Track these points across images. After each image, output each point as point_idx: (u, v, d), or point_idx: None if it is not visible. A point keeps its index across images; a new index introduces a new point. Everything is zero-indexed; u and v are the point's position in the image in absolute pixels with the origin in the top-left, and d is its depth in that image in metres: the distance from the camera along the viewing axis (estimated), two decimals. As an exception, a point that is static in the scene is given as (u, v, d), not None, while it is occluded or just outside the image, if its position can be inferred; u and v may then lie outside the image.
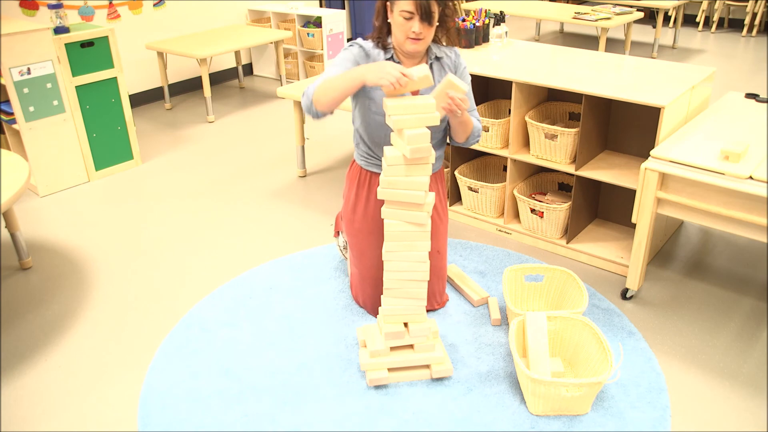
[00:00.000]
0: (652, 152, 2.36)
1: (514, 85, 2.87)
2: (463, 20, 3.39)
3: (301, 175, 3.86)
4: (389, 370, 2.17)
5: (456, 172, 3.22)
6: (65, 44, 3.55)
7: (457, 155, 3.25)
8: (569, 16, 5.76)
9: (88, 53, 3.67)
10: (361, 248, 2.44)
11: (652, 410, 2.04)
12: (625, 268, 2.77)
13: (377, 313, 2.38)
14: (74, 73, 3.63)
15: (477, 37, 3.41)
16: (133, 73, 5.09)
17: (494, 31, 3.49)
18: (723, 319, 2.51)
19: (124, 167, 4.01)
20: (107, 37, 3.72)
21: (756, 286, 2.72)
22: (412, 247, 2.07)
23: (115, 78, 3.82)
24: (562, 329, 2.22)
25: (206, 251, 3.06)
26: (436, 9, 2.09)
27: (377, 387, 2.16)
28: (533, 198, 3.08)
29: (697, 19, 7.71)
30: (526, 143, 3.07)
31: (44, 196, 3.66)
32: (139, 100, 5.20)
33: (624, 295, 2.64)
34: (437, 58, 2.29)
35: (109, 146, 3.90)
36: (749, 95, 2.89)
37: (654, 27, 7.34)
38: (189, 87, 5.57)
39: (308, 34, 5.56)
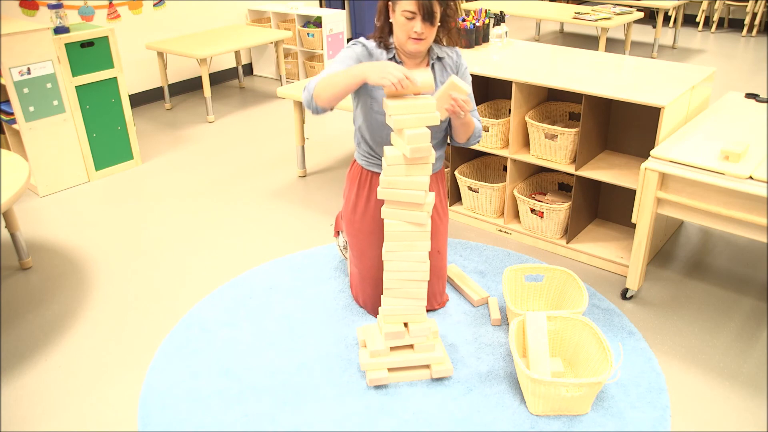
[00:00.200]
0: (652, 152, 2.36)
1: (514, 85, 2.87)
2: (463, 20, 3.39)
3: (301, 175, 3.86)
4: (389, 370, 2.17)
5: (456, 172, 3.22)
6: (65, 44, 3.55)
7: (457, 155, 3.25)
8: (569, 16, 5.76)
9: (88, 53, 3.67)
10: (362, 248, 2.44)
11: (652, 410, 2.04)
12: (625, 268, 2.77)
13: (377, 313, 2.38)
14: (74, 73, 3.63)
15: (477, 37, 3.41)
16: (133, 73, 5.09)
17: (494, 31, 3.49)
18: (723, 319, 2.51)
19: (124, 167, 4.01)
20: (107, 37, 3.72)
21: (756, 286, 2.72)
22: (412, 247, 2.07)
23: (115, 78, 3.83)
24: (562, 329, 2.22)
25: (206, 251, 3.06)
26: (438, 9, 2.09)
27: (377, 387, 2.16)
28: (533, 198, 3.08)
29: (697, 19, 7.71)
30: (526, 143, 3.07)
31: (44, 196, 3.66)
32: (139, 100, 5.20)
33: (624, 295, 2.64)
34: (439, 59, 2.29)
35: (109, 146, 3.90)
36: (749, 95, 2.89)
37: (654, 27, 7.34)
38: (189, 87, 5.57)
39: (308, 34, 5.56)
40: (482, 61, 3.14)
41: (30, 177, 2.78)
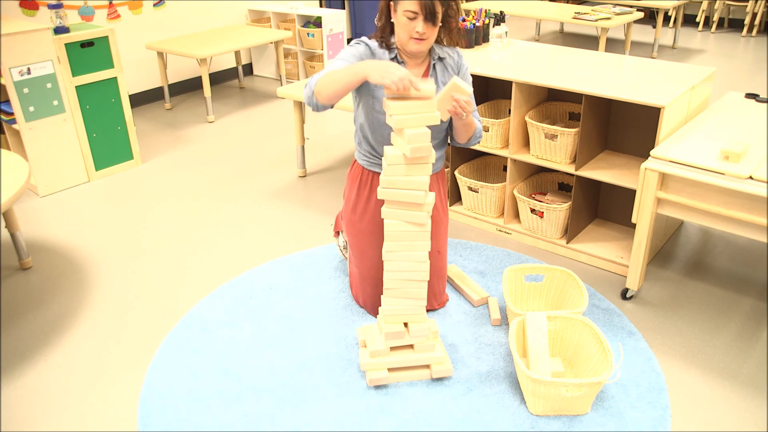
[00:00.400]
0: (652, 152, 2.36)
1: (514, 85, 2.87)
2: (463, 20, 3.39)
3: (301, 175, 3.86)
4: (389, 370, 2.17)
5: (456, 172, 3.22)
6: (65, 44, 3.55)
7: (457, 155, 3.25)
8: (569, 16, 5.76)
9: (88, 53, 3.67)
10: (362, 248, 2.44)
11: (652, 410, 2.04)
12: (625, 268, 2.77)
13: (377, 313, 2.38)
14: (74, 73, 3.63)
15: (477, 37, 3.41)
16: (133, 73, 5.09)
17: (494, 31, 3.49)
18: (723, 319, 2.51)
19: (124, 167, 4.01)
20: (107, 37, 3.72)
21: (756, 286, 2.72)
22: (412, 247, 2.07)
23: (115, 78, 3.82)
24: (562, 329, 2.22)
25: (206, 251, 3.06)
26: (440, 9, 2.09)
27: (377, 387, 2.16)
28: (533, 198, 3.08)
29: (697, 19, 7.71)
30: (526, 143, 3.07)
31: (44, 196, 3.66)
32: (139, 100, 5.20)
33: (624, 295, 2.64)
34: (440, 59, 2.29)
35: (109, 146, 3.90)
36: (749, 95, 2.89)
37: (654, 27, 7.34)
38: (189, 87, 5.57)
39: (308, 34, 5.56)
40: (482, 61, 3.14)
41: (30, 177, 2.78)
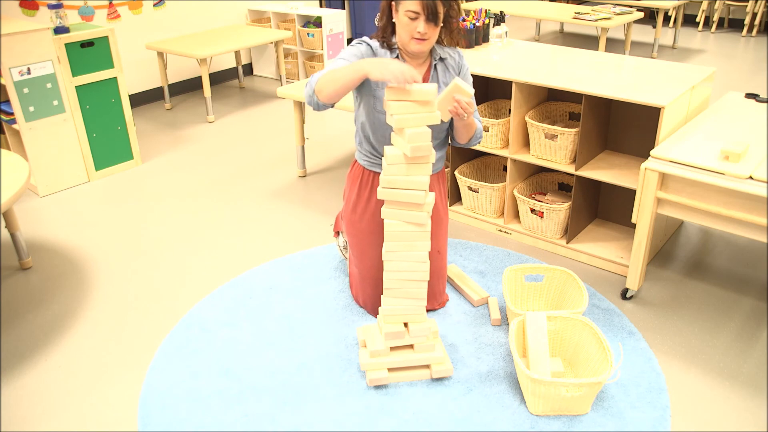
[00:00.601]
0: (652, 152, 2.36)
1: (514, 85, 2.87)
2: (463, 20, 3.39)
3: (301, 175, 3.86)
4: (389, 370, 2.17)
5: (456, 172, 3.22)
6: (65, 44, 3.55)
7: (457, 155, 3.25)
8: (569, 16, 5.76)
9: (88, 53, 3.67)
10: (362, 248, 2.44)
11: (652, 410, 2.04)
12: (625, 268, 2.77)
13: (377, 313, 2.38)
14: (74, 73, 3.63)
15: (477, 37, 3.41)
16: (133, 73, 5.09)
17: (494, 31, 3.49)
18: (723, 319, 2.51)
19: (124, 167, 4.01)
20: (107, 37, 3.72)
21: (756, 286, 2.72)
22: (412, 247, 2.07)
23: (115, 78, 3.82)
24: (562, 329, 2.22)
25: (206, 251, 3.06)
26: (441, 9, 2.09)
27: (377, 387, 2.16)
28: (533, 198, 3.08)
29: (697, 19, 7.71)
30: (526, 143, 3.07)
31: (44, 196, 3.66)
32: (139, 100, 5.20)
33: (624, 295, 2.64)
34: (441, 59, 2.29)
35: (109, 146, 3.90)
36: (749, 95, 2.89)
37: (654, 27, 7.34)
38: (189, 87, 5.57)
39: (308, 34, 5.56)
40: (482, 61, 3.14)
41: (30, 177, 2.78)
